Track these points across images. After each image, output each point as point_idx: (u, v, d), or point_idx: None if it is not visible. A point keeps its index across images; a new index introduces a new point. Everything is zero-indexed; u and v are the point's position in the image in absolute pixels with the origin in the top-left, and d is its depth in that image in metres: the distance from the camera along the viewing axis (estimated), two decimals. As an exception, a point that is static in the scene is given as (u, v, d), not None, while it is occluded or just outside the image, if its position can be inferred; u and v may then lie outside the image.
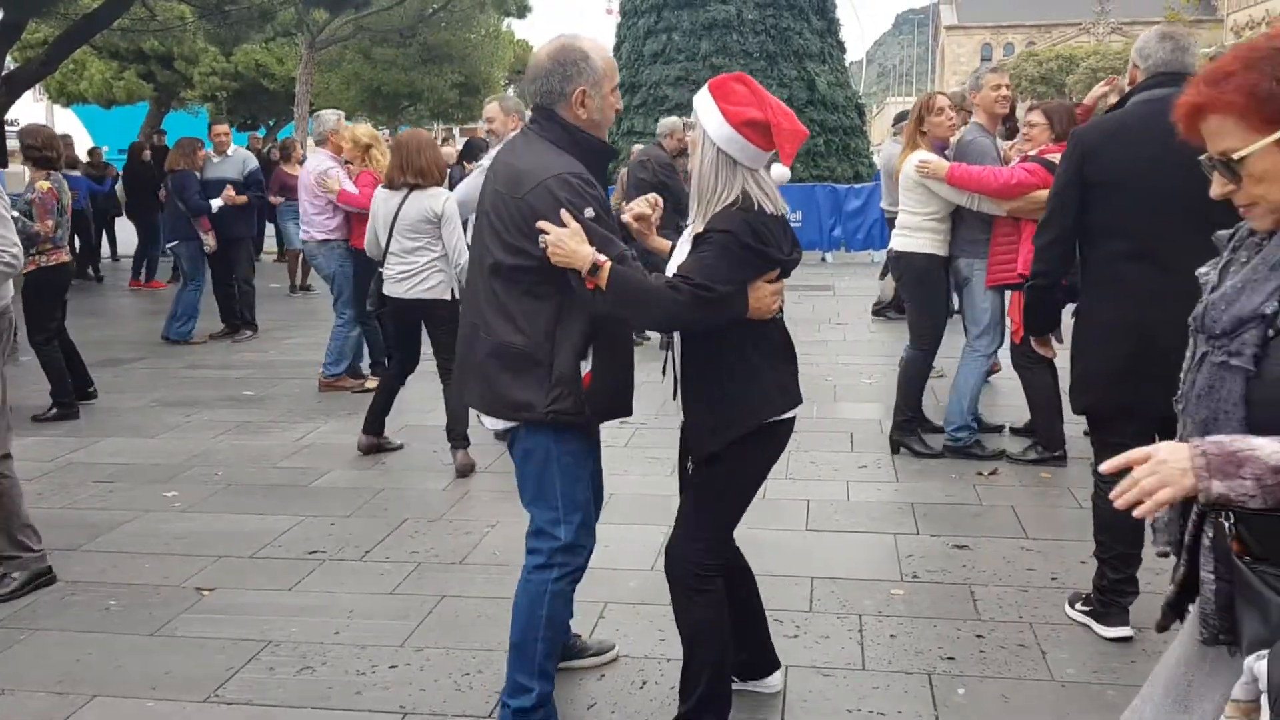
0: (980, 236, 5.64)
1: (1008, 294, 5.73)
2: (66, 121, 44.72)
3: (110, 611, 4.00)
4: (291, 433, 6.57)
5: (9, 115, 18.02)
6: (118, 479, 5.66)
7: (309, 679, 3.46)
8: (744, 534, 4.46)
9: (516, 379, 2.82)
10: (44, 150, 6.84)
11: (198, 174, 9.44)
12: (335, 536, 4.74)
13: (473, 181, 5.95)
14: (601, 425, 3.03)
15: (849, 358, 8.56)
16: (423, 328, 5.88)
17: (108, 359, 8.93)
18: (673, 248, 2.98)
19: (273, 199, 11.90)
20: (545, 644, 2.96)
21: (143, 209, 13.76)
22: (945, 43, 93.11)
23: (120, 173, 15.59)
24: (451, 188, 6.67)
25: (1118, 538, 3.60)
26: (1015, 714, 3.17)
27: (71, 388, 7.09)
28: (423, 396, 6.74)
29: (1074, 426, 5.41)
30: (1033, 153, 5.57)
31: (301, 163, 14.14)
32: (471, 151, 10.78)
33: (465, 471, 5.61)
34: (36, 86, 28.22)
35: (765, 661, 3.27)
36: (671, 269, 2.80)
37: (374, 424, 6.06)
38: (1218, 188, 1.70)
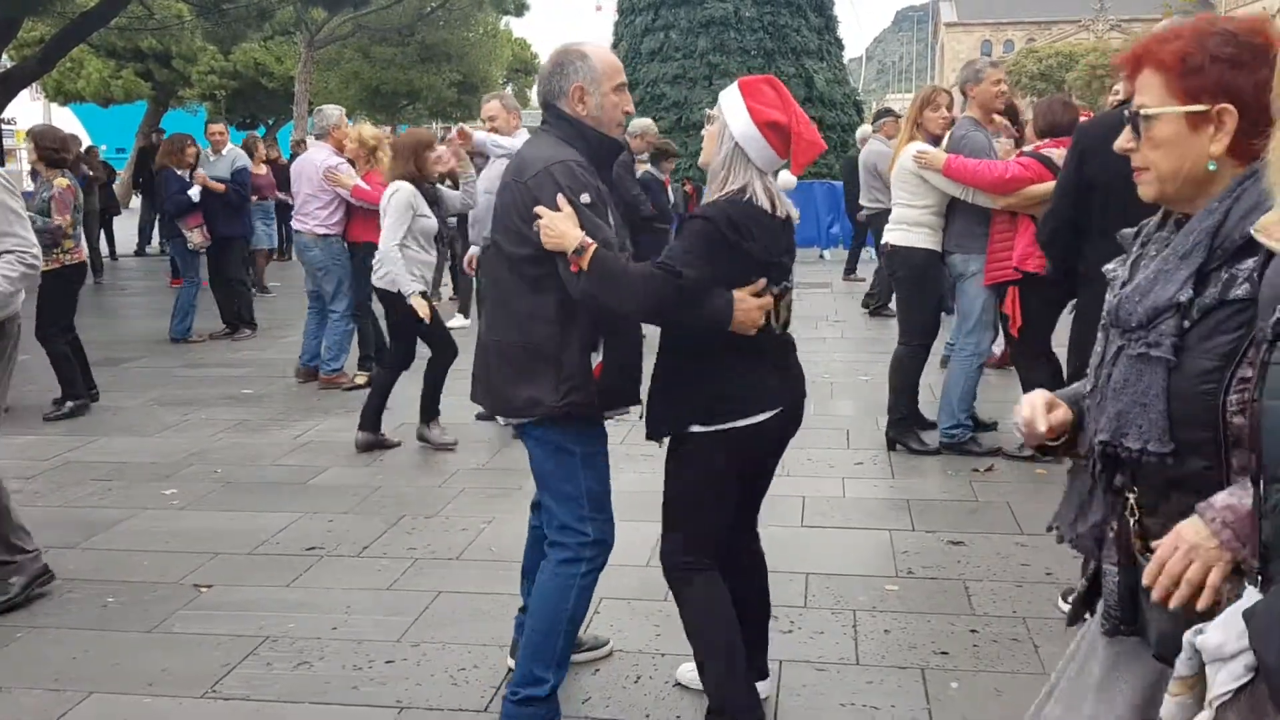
0: (976, 230, 5.62)
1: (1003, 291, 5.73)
2: (64, 120, 44.76)
3: (108, 609, 4.01)
4: (290, 430, 6.59)
5: (5, 114, 18.05)
6: (116, 477, 5.67)
7: (306, 674, 3.48)
8: (739, 530, 4.52)
9: (524, 376, 2.86)
10: (59, 151, 6.98)
11: (182, 171, 9.42)
12: (333, 533, 4.76)
13: (493, 169, 6.04)
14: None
15: (845, 354, 8.57)
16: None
17: (106, 358, 8.93)
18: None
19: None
20: (566, 637, 3.01)
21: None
22: (945, 39, 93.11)
23: (115, 172, 15.59)
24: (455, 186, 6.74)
25: None
26: (1007, 708, 3.18)
27: (83, 382, 7.11)
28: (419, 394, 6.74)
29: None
30: (1028, 148, 5.58)
31: (269, 162, 14.22)
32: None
33: (443, 446, 6.03)
34: (34, 85, 28.27)
35: (753, 668, 3.21)
36: None
37: (370, 421, 6.09)
38: (1122, 140, 1.74)
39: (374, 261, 5.97)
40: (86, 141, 22.66)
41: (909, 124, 5.93)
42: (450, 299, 11.21)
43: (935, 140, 5.86)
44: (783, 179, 2.74)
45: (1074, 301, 4.95)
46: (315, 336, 7.91)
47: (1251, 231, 1.49)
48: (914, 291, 5.98)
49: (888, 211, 8.52)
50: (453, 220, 9.29)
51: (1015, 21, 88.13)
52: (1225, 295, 1.58)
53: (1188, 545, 1.50)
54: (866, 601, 3.93)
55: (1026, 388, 5.65)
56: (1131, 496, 1.71)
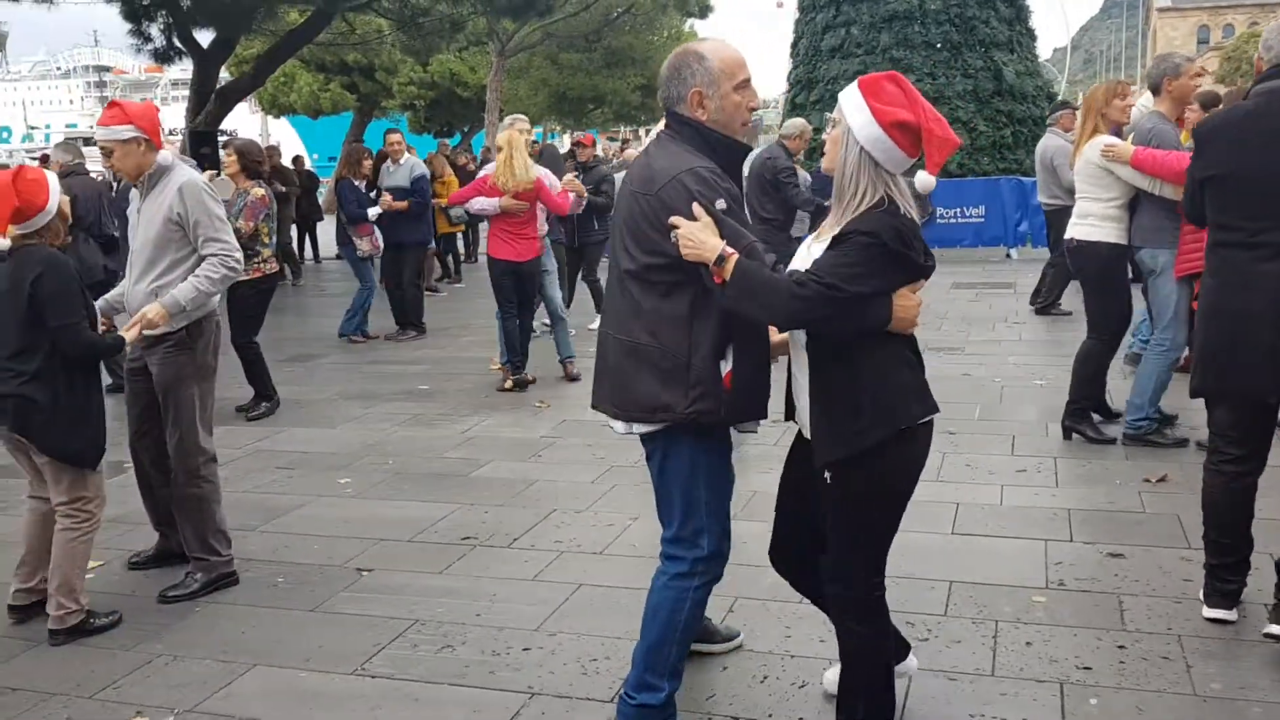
0: (1165, 225, 5.51)
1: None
2: (281, 132, 47.79)
3: (278, 588, 4.31)
4: (459, 425, 6.87)
5: (226, 126, 19.44)
6: (297, 465, 6.07)
7: (448, 657, 3.65)
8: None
9: (654, 380, 2.82)
10: (260, 163, 7.55)
11: (359, 181, 9.87)
12: (487, 524, 4.95)
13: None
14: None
15: (1021, 358, 8.25)
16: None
17: (300, 354, 9.56)
18: (791, 254, 2.98)
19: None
20: (680, 647, 3.01)
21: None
22: (1157, 25, 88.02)
23: (318, 180, 16.55)
24: None
25: (1214, 524, 3.72)
26: (1150, 729, 3.04)
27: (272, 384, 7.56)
28: (583, 392, 6.92)
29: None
30: None
31: (459, 167, 14.85)
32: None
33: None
34: (251, 99, 30.31)
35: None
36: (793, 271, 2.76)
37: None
38: None
39: None
40: (299, 151, 24.20)
41: (1093, 116, 5.79)
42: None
43: (1118, 130, 5.81)
44: (921, 180, 2.66)
45: None
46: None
47: None
48: (1100, 287, 5.90)
49: (1063, 209, 8.31)
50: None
51: (1235, 4, 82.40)
52: None
53: None
54: (1010, 612, 3.81)
55: None
56: None
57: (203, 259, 4.29)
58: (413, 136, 31.71)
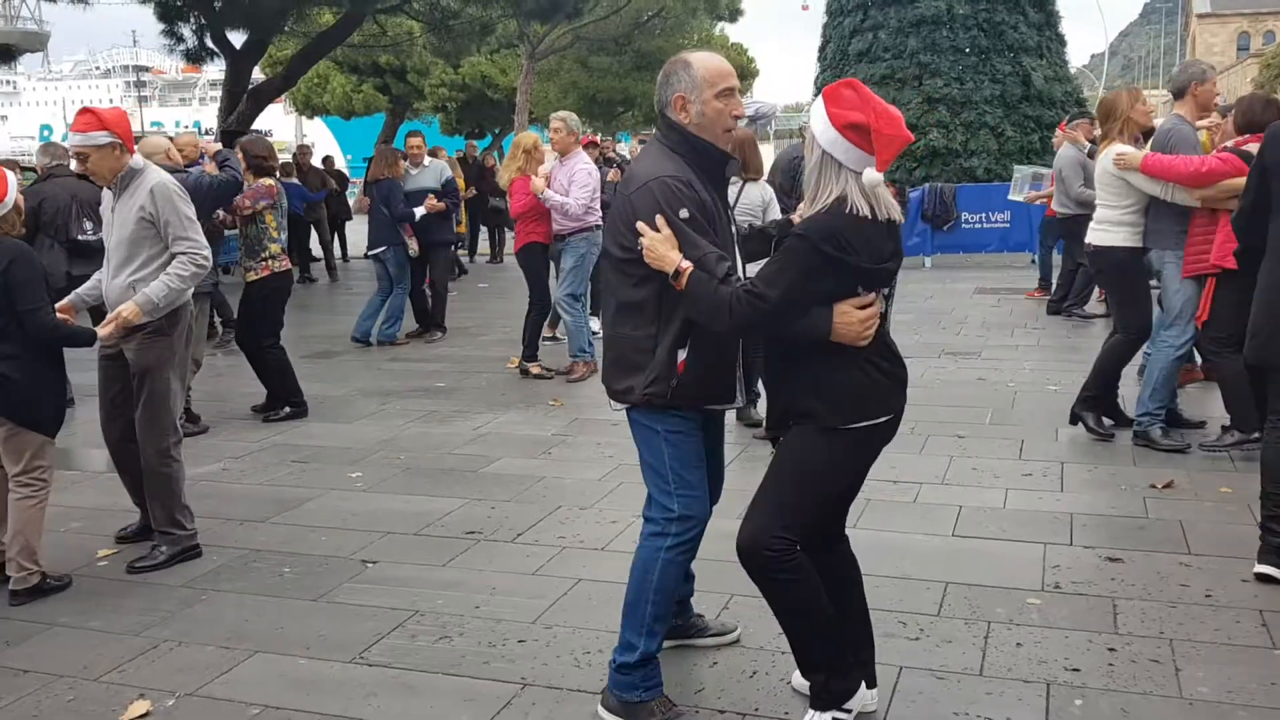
0: (1173, 228, 5.68)
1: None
2: (316, 132, 48.30)
3: (283, 578, 4.40)
4: (471, 422, 6.95)
5: (261, 126, 19.68)
6: (311, 459, 6.17)
7: (445, 647, 3.71)
8: (882, 538, 4.51)
9: (626, 366, 3.06)
10: (267, 160, 7.62)
11: (400, 182, 9.93)
12: (493, 519, 5.02)
13: None
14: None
15: (1037, 362, 8.23)
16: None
17: (323, 351, 9.69)
18: None
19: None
20: (654, 607, 3.14)
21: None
22: (1196, 31, 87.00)
23: (348, 181, 16.72)
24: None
25: (1271, 479, 4.01)
26: (1133, 730, 3.05)
27: (298, 385, 7.38)
28: (595, 391, 6.98)
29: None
30: (1229, 144, 5.51)
31: (486, 168, 15.08)
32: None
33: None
34: (285, 99, 30.67)
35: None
36: None
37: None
38: None
39: None
40: (332, 151, 24.44)
41: (1115, 122, 5.96)
42: None
43: (1146, 133, 6.03)
44: (867, 176, 2.73)
45: None
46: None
47: None
48: (1119, 289, 6.16)
49: (1074, 217, 8.49)
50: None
51: (1276, 10, 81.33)
52: None
53: None
54: (1003, 613, 3.83)
55: (1218, 378, 5.75)
56: None
57: (174, 257, 4.56)
58: (445, 138, 32.02)
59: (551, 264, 8.53)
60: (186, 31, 15.66)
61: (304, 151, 16.49)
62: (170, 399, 4.59)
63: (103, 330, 4.43)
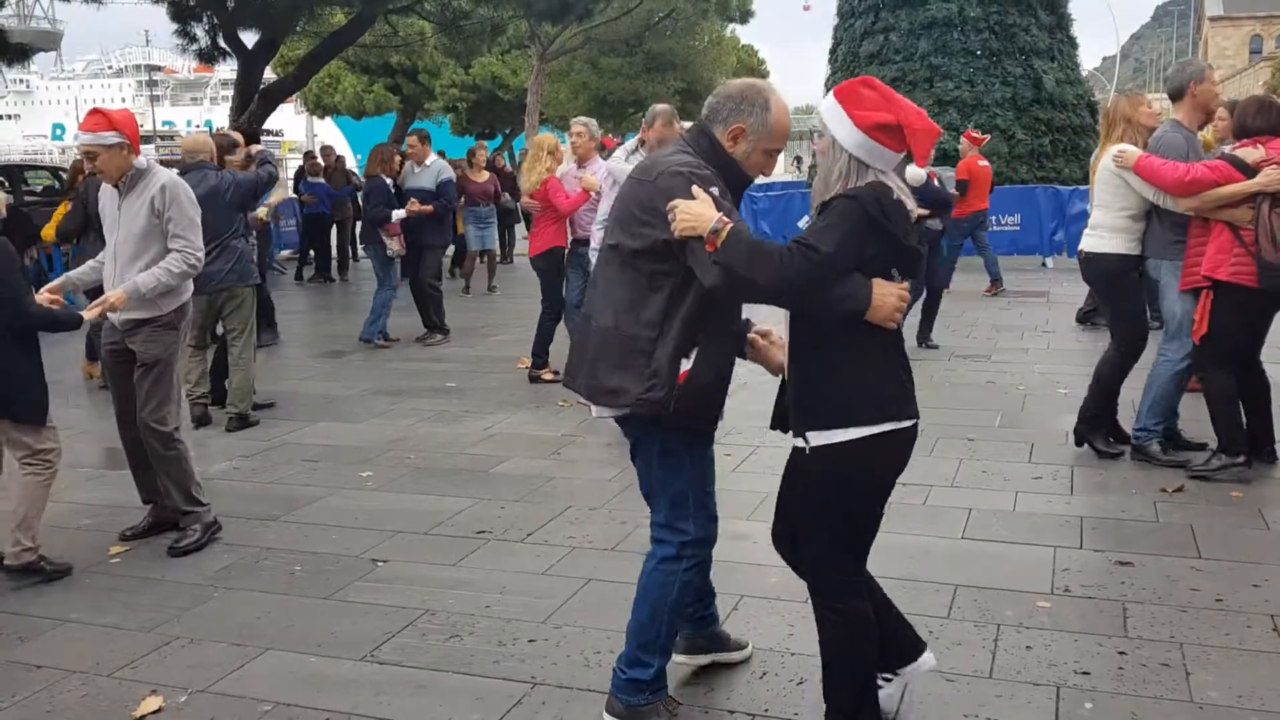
0: (1172, 238, 5.47)
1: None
2: (327, 132, 48.41)
3: (294, 576, 4.41)
4: (482, 422, 6.97)
5: (273, 126, 19.73)
6: (322, 458, 6.19)
7: (455, 646, 3.72)
8: (892, 539, 4.48)
9: (617, 366, 2.91)
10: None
11: (389, 180, 9.82)
12: (503, 518, 5.03)
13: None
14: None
15: (1048, 366, 8.21)
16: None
17: (333, 350, 9.72)
18: None
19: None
20: (669, 626, 3.12)
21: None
22: (1208, 34, 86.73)
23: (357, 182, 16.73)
24: None
25: None
26: (1143, 734, 3.05)
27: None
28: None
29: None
30: (1227, 148, 5.37)
31: (496, 169, 15.02)
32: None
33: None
34: (296, 99, 30.73)
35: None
36: None
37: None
38: None
39: None
40: (343, 150, 24.49)
41: (1119, 124, 5.74)
42: None
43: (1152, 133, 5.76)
44: (911, 173, 2.70)
45: None
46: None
47: None
48: (1109, 299, 5.85)
49: None
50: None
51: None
52: None
53: None
54: (1013, 617, 3.83)
55: (1206, 397, 5.45)
56: None
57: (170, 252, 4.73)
58: (455, 138, 32.08)
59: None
60: (199, 31, 15.72)
61: (327, 153, 16.52)
62: (174, 388, 4.80)
63: (88, 313, 4.62)
